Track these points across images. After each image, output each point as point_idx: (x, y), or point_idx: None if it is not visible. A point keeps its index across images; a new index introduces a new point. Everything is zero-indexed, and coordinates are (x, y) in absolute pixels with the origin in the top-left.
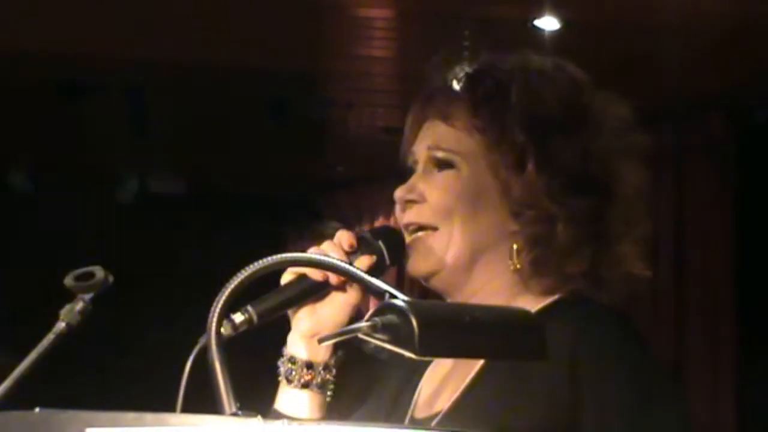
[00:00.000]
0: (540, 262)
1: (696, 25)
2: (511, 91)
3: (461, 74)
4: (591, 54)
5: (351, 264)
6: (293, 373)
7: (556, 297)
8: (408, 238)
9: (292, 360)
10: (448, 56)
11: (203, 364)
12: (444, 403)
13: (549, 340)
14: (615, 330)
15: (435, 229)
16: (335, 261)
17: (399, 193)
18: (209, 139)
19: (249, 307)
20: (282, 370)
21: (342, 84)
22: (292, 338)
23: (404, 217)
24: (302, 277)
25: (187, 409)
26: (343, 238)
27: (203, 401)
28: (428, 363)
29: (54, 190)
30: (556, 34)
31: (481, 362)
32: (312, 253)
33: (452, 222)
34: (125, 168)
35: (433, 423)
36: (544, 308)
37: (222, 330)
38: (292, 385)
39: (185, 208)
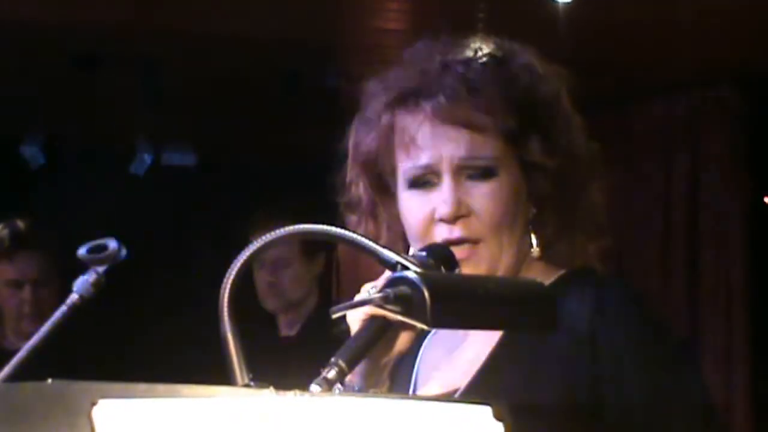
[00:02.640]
0: (568, 244)
1: None
2: (519, 83)
3: (461, 73)
4: (604, 26)
5: None
6: None
7: (565, 270)
8: (459, 251)
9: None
10: (423, 54)
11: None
12: (460, 380)
13: (566, 313)
14: (631, 301)
15: (485, 240)
16: (344, 232)
17: (449, 210)
18: (223, 111)
19: (338, 360)
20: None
21: (355, 57)
22: (368, 371)
23: (453, 231)
24: (372, 319)
25: (202, 382)
26: None
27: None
28: (420, 341)
29: (67, 162)
30: (569, 7)
31: (496, 339)
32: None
33: (501, 231)
34: (140, 140)
35: None
36: (556, 281)
37: (318, 388)
38: None
39: (198, 180)
